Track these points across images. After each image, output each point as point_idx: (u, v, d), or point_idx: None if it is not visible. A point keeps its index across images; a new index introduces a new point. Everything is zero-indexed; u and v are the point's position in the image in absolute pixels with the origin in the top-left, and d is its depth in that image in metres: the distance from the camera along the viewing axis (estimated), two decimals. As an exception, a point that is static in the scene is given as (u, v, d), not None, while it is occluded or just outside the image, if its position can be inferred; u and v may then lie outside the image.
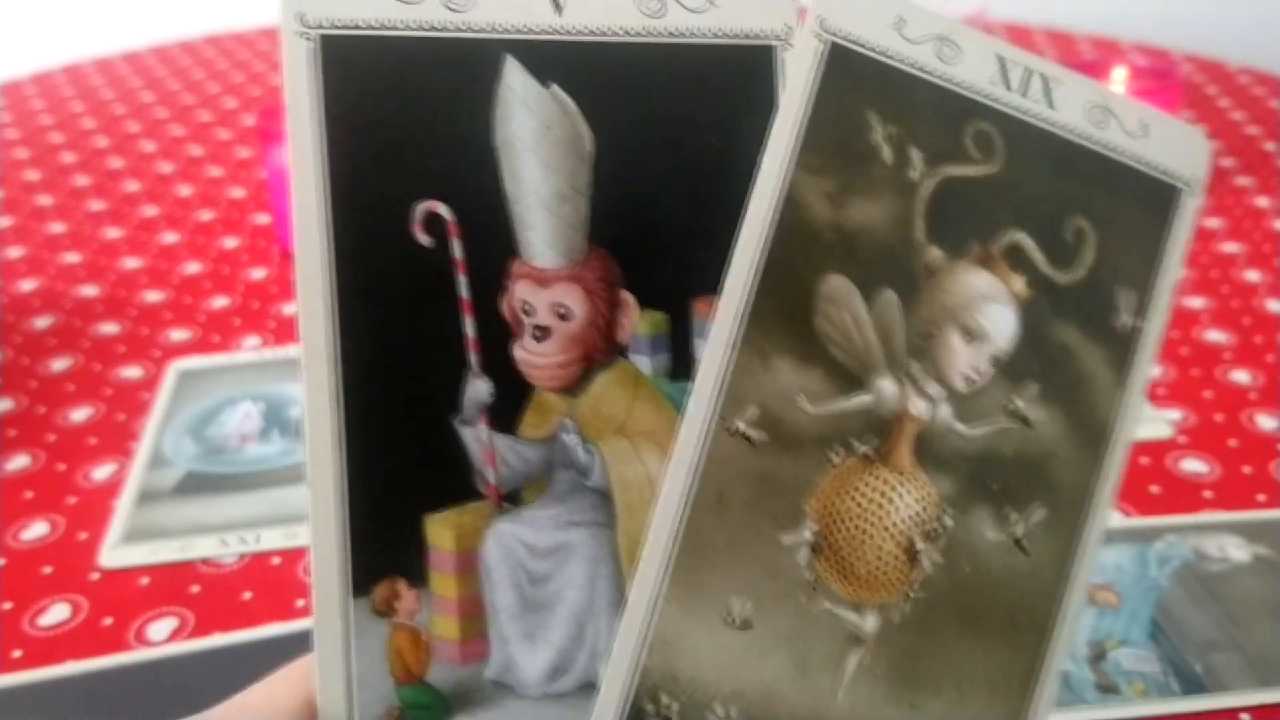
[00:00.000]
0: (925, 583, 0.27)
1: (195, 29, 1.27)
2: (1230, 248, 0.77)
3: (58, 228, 0.82)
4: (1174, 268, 0.28)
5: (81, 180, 0.91)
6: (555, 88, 0.25)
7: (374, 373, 0.25)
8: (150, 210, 0.85)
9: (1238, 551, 0.49)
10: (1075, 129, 0.27)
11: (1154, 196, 0.28)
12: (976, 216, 0.27)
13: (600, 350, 0.27)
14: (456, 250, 0.26)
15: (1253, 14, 1.25)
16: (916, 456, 0.27)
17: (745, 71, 0.26)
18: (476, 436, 0.27)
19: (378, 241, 0.25)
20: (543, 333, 0.26)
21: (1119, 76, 0.84)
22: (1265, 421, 0.59)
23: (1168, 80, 0.86)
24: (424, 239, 0.25)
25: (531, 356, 0.27)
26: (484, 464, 0.27)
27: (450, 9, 0.25)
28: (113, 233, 0.81)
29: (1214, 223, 0.80)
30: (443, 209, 0.25)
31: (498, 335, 0.26)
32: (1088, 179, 0.27)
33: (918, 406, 0.27)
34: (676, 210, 0.26)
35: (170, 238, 0.80)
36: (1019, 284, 0.27)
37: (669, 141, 0.26)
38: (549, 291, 0.26)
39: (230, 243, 0.79)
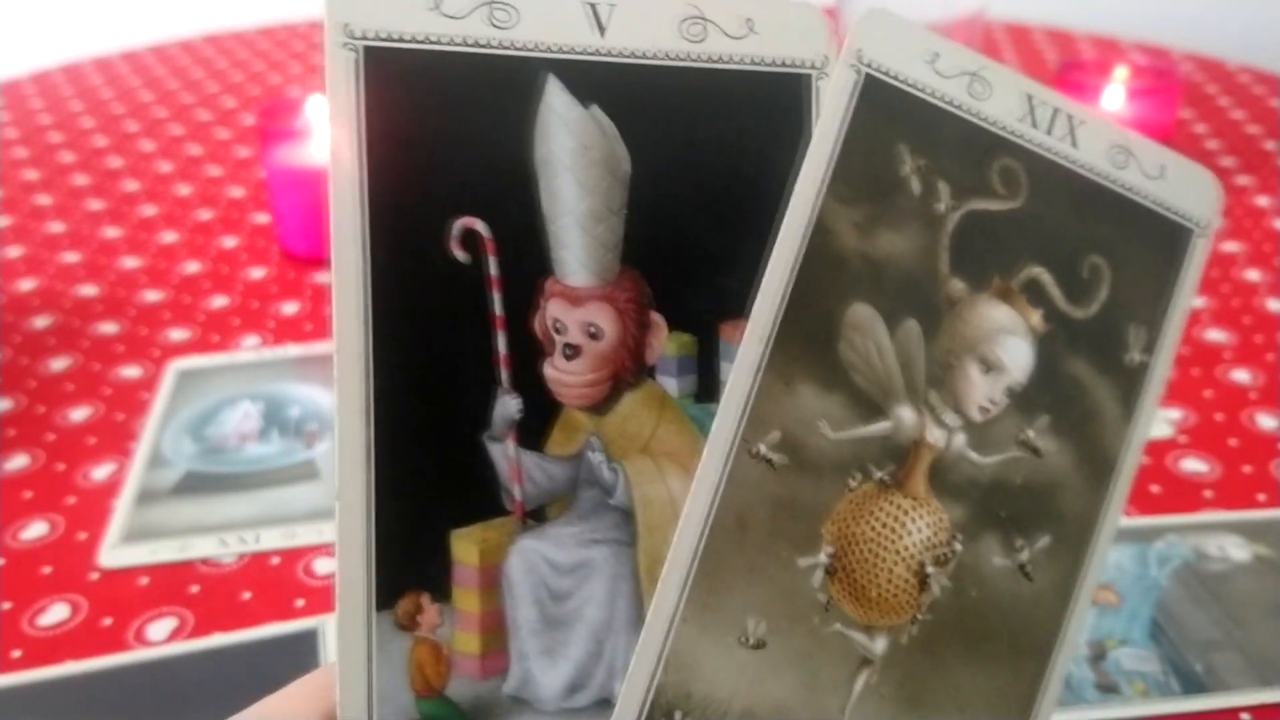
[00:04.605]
0: (933, 606, 0.27)
1: (194, 28, 1.26)
2: (1230, 247, 0.76)
3: (57, 227, 0.82)
4: (1183, 306, 0.29)
5: (80, 180, 0.90)
6: (595, 108, 0.25)
7: (405, 387, 0.25)
8: (149, 210, 0.85)
9: (1238, 551, 0.49)
10: (1096, 169, 0.28)
11: (1167, 237, 0.29)
12: (998, 250, 0.27)
13: (629, 370, 0.27)
14: (492, 267, 0.26)
15: (1252, 13, 1.25)
16: (930, 483, 0.27)
17: (781, 99, 0.26)
18: (504, 453, 0.27)
19: (414, 255, 0.25)
20: (573, 351, 0.27)
21: (1119, 75, 0.83)
22: (1265, 421, 0.58)
23: (1167, 79, 0.85)
24: (460, 255, 0.26)
25: (561, 374, 0.27)
26: (510, 480, 0.27)
27: (495, 26, 0.25)
28: (112, 232, 0.81)
29: (1214, 222, 0.80)
30: (479, 225, 0.26)
31: (528, 353, 0.26)
32: (1106, 218, 0.28)
33: (934, 435, 0.27)
34: (708, 233, 0.26)
35: (169, 237, 0.80)
36: (1036, 318, 0.27)
37: (703, 165, 0.26)
38: (581, 310, 0.26)
39: (229, 242, 0.79)
